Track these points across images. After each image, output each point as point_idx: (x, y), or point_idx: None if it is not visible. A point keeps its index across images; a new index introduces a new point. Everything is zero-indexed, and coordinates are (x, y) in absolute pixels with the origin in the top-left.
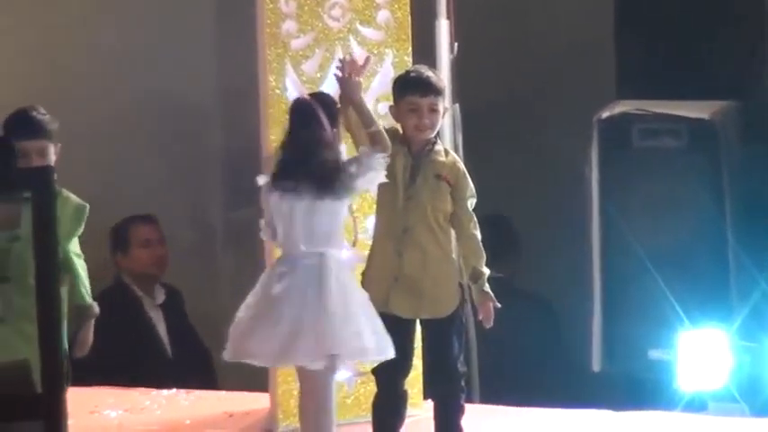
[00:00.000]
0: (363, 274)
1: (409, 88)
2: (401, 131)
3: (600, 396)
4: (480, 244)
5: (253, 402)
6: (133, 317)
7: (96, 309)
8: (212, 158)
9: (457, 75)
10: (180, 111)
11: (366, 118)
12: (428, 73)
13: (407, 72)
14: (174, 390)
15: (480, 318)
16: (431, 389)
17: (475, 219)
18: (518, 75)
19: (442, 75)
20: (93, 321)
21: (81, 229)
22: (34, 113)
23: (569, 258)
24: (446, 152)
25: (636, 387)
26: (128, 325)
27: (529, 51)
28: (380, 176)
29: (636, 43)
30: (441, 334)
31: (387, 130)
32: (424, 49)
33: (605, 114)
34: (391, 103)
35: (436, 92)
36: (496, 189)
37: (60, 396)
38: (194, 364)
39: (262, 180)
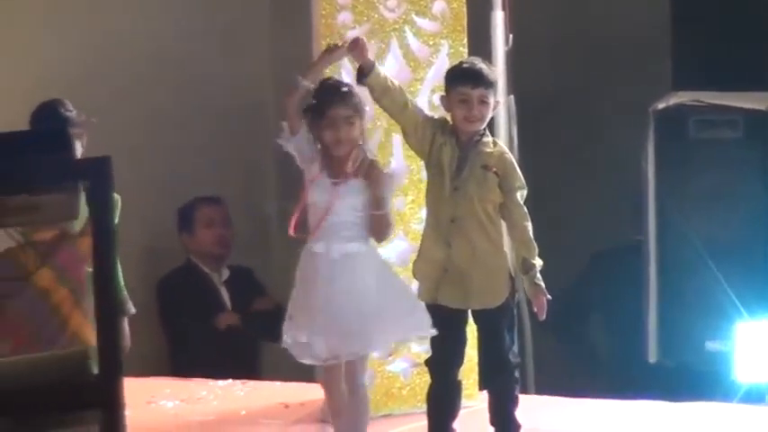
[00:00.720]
0: (414, 264)
1: (461, 79)
2: (450, 122)
3: (656, 387)
4: (531, 235)
5: (308, 393)
6: (203, 292)
7: (131, 308)
8: (268, 148)
9: (512, 66)
10: (237, 101)
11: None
12: (481, 65)
13: (460, 63)
14: (230, 380)
15: (534, 310)
16: (485, 380)
17: (525, 210)
18: (573, 66)
19: (497, 66)
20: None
21: (116, 220)
22: (61, 109)
23: (626, 249)
24: (494, 143)
25: (692, 378)
26: (199, 299)
27: (584, 43)
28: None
29: (692, 34)
30: (492, 325)
31: (435, 120)
32: (479, 40)
33: (661, 106)
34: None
35: (487, 84)
36: (552, 181)
37: (118, 386)
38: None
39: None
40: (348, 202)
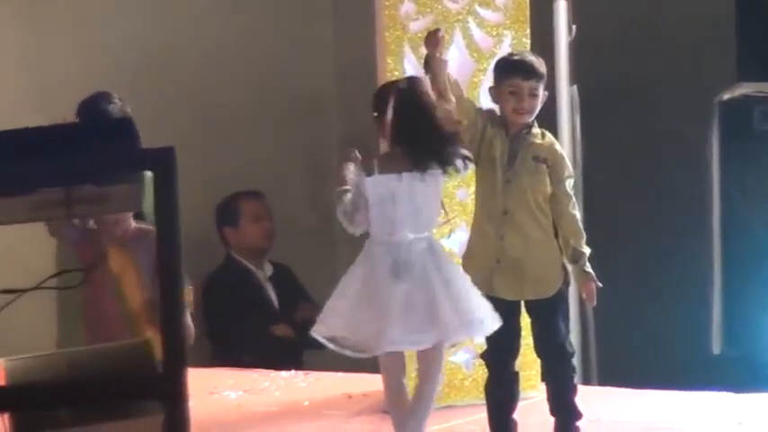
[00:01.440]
0: (464, 257)
1: (511, 71)
2: (498, 114)
3: (720, 378)
4: (580, 224)
5: (371, 384)
6: (250, 290)
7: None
8: (331, 142)
9: (575, 57)
10: (299, 94)
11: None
12: (531, 57)
13: (510, 55)
14: (293, 371)
15: (584, 297)
16: (543, 370)
17: (574, 199)
18: (637, 56)
19: (560, 57)
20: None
21: None
22: (103, 102)
23: (690, 240)
24: (543, 134)
25: (757, 369)
26: (244, 297)
27: (648, 33)
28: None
29: (757, 25)
30: (547, 315)
31: (484, 112)
32: (541, 31)
33: (726, 97)
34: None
35: (538, 76)
36: (614, 171)
37: (182, 377)
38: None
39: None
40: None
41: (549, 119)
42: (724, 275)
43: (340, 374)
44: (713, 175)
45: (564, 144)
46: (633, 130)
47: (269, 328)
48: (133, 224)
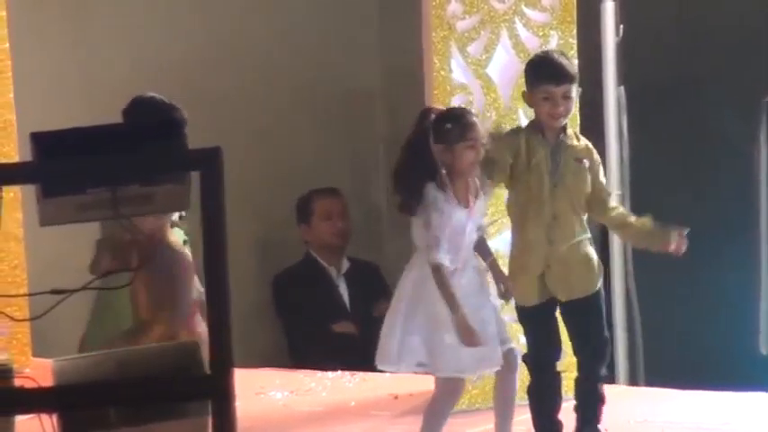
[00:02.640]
0: (511, 267)
1: (543, 77)
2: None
3: (766, 379)
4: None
5: (417, 384)
6: (320, 287)
7: None
8: (377, 140)
9: (622, 57)
10: (346, 93)
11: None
12: (561, 59)
13: (539, 58)
14: (339, 372)
15: (674, 249)
16: (583, 369)
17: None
18: (685, 57)
19: (608, 57)
20: None
21: None
22: (156, 107)
23: (737, 240)
24: (576, 135)
25: None
26: (315, 294)
27: (695, 33)
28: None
29: None
30: (591, 313)
31: (511, 135)
32: (589, 31)
33: None
34: None
35: (570, 79)
36: (662, 171)
37: (229, 377)
38: None
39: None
40: (476, 225)
41: (596, 119)
42: None
43: (386, 375)
44: (761, 175)
45: (611, 144)
46: (680, 130)
47: (331, 326)
48: (167, 237)
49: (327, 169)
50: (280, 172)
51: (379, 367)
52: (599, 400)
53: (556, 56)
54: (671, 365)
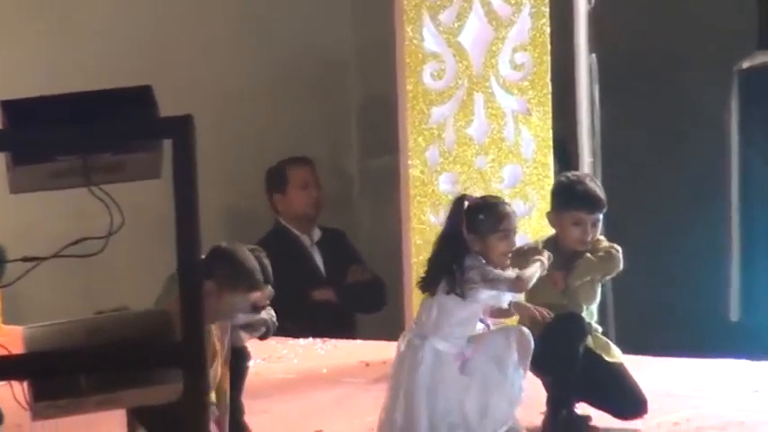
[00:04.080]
0: None
1: (578, 203)
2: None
3: (738, 346)
4: None
5: (389, 351)
6: (296, 256)
7: None
8: (350, 108)
9: (594, 24)
10: (318, 61)
11: None
12: (594, 187)
13: (572, 183)
14: (311, 339)
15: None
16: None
17: None
18: (657, 25)
19: (579, 25)
20: None
21: None
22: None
23: (709, 208)
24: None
25: None
26: (290, 264)
27: (667, 1)
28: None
29: None
30: None
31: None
32: None
33: (746, 65)
34: (527, 54)
35: (602, 208)
36: (634, 139)
37: (201, 344)
38: (362, 296)
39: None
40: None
41: (567, 87)
42: (742, 243)
43: (358, 342)
44: (732, 143)
45: (582, 113)
46: (652, 98)
47: (310, 293)
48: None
49: (298, 138)
50: (249, 142)
51: None
52: None
53: (589, 182)
54: (641, 333)
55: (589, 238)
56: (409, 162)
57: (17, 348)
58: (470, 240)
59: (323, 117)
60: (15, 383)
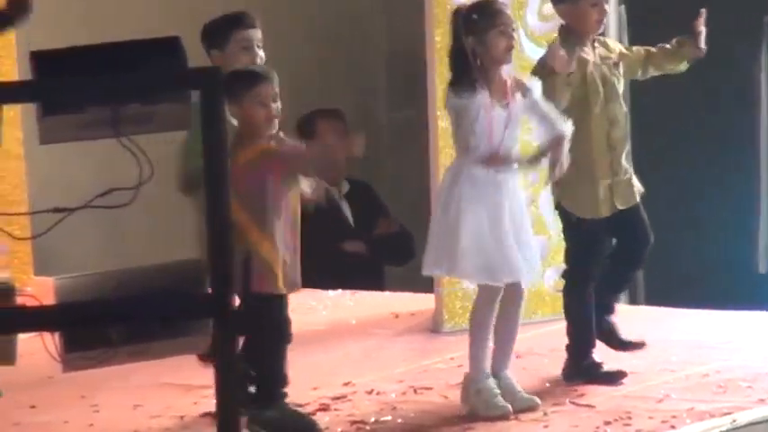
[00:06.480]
0: (569, 175)
1: None
2: (576, 29)
3: (766, 297)
4: None
5: (418, 303)
6: (325, 207)
7: None
8: (376, 60)
9: None
10: (343, 13)
11: None
12: None
13: None
14: (340, 290)
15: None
16: (625, 270)
17: None
18: None
19: None
20: None
21: None
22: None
23: (738, 161)
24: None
25: None
26: (319, 216)
27: None
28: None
29: None
30: (641, 214)
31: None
32: None
33: None
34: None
35: None
36: (662, 92)
37: (229, 296)
38: (391, 248)
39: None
40: (518, 123)
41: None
42: None
43: (387, 293)
44: (762, 93)
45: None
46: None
47: (340, 245)
48: None
49: (328, 89)
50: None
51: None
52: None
53: None
54: (671, 285)
55: (606, 14)
56: (438, 113)
57: (48, 299)
58: (471, 45)
59: (351, 69)
60: (46, 335)
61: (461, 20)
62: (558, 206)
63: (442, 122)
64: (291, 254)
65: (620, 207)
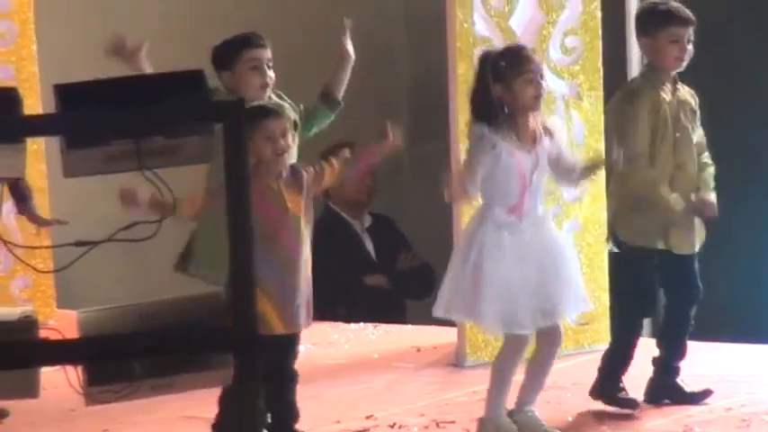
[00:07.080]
0: (632, 216)
1: (672, 21)
2: (656, 64)
3: None
4: None
5: (440, 337)
6: (347, 241)
7: None
8: (399, 92)
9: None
10: (368, 45)
11: None
12: (678, 4)
13: (660, 4)
14: (362, 323)
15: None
16: (683, 323)
17: None
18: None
19: (631, 8)
20: None
21: None
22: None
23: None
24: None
25: None
26: (342, 250)
27: None
28: None
29: None
30: (693, 266)
31: (646, 96)
32: None
33: None
34: (578, 38)
35: (693, 22)
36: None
37: (252, 329)
38: (413, 283)
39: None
40: (545, 167)
41: (619, 72)
42: None
43: (409, 327)
44: None
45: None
46: (702, 71)
47: (362, 279)
48: None
49: (349, 123)
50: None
51: (434, 314)
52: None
53: (672, 0)
54: (696, 318)
55: (687, 54)
56: (460, 146)
57: (71, 333)
58: (498, 92)
59: (374, 102)
60: (69, 368)
61: (490, 66)
62: (610, 236)
63: (464, 155)
64: (290, 294)
65: (677, 250)
